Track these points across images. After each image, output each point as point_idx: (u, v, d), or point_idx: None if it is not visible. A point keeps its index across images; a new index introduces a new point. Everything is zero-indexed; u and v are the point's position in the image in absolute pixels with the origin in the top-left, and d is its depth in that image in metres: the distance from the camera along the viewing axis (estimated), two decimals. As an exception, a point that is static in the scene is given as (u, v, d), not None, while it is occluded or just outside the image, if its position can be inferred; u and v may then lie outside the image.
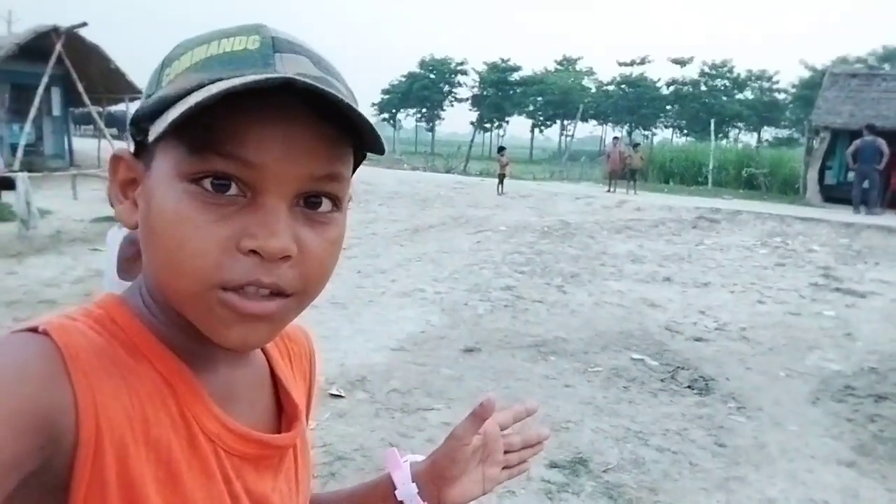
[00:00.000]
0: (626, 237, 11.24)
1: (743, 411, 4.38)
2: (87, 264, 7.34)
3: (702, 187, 22.88)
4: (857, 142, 15.27)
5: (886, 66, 39.93)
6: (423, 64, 67.28)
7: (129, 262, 2.51)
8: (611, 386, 4.70)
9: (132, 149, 0.59)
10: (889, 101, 17.14)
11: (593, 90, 63.61)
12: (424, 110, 70.04)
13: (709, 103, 56.63)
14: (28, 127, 15.20)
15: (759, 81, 58.98)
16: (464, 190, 18.02)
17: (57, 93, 17.57)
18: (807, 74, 51.31)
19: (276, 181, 0.52)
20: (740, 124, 59.60)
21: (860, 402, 4.59)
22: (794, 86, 55.03)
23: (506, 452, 0.80)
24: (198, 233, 0.51)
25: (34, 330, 0.51)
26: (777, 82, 58.36)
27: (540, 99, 62.63)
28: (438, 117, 71.48)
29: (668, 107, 61.28)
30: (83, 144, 21.36)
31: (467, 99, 67.41)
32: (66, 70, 15.58)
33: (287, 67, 0.53)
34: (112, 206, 0.60)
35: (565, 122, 63.63)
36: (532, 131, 67.38)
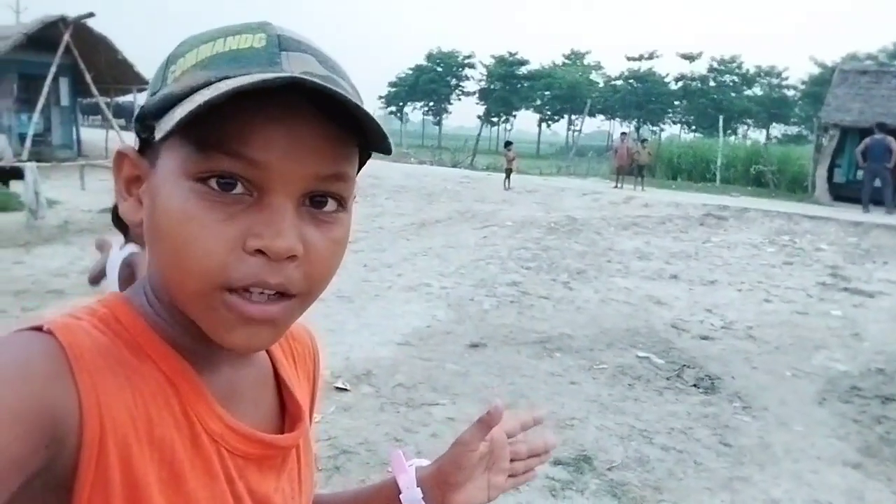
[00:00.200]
0: (632, 234, 11.21)
1: (748, 411, 4.36)
2: (95, 254, 7.36)
3: (710, 184, 22.79)
4: (866, 140, 15.16)
5: (897, 64, 39.62)
6: (430, 57, 67.14)
7: (124, 283, 2.58)
8: (616, 383, 4.69)
9: (137, 146, 0.58)
10: (899, 99, 17.02)
11: (601, 85, 63.38)
12: (431, 104, 69.91)
13: (717, 99, 56.38)
14: (36, 117, 15.27)
15: (768, 77, 58.65)
16: (470, 184, 18.00)
17: (65, 83, 17.62)
18: (816, 71, 51.01)
19: (282, 180, 0.52)
20: (749, 121, 59.27)
21: (867, 403, 4.57)
22: (803, 82, 54.71)
23: (512, 461, 0.79)
24: (204, 232, 0.51)
25: (38, 329, 0.51)
26: (786, 78, 58.03)
27: (547, 93, 62.43)
28: (445, 111, 71.37)
29: (677, 102, 61.01)
30: (91, 135, 21.41)
31: (474, 92, 67.28)
32: (74, 60, 15.62)
33: (293, 66, 0.53)
34: (118, 203, 0.60)
35: (573, 117, 63.36)
36: (539, 126, 67.19)
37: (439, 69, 66.83)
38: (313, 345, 0.77)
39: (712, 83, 59.46)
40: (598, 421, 4.05)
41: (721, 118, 27.38)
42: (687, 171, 25.87)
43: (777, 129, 60.56)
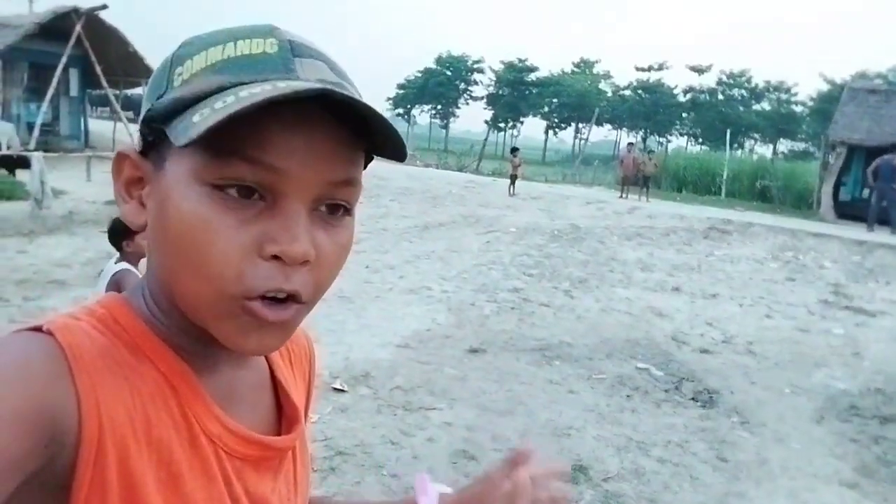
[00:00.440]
0: (636, 244, 11.20)
1: (746, 426, 4.35)
2: (98, 246, 7.37)
3: (715, 197, 22.78)
4: (878, 160, 15.15)
5: (907, 84, 39.56)
6: (439, 60, 67.20)
7: None
8: (614, 394, 4.68)
9: (139, 147, 0.58)
10: (908, 118, 17.01)
11: (609, 94, 63.34)
12: (439, 107, 69.96)
13: (725, 112, 56.28)
14: (45, 106, 15.31)
15: (776, 93, 58.56)
16: (475, 189, 18.01)
17: (75, 74, 17.67)
18: (825, 88, 50.91)
19: (297, 186, 0.52)
20: (756, 135, 59.20)
21: (865, 422, 4.55)
22: (812, 99, 54.61)
23: None
24: (220, 238, 0.51)
25: (38, 329, 0.51)
26: (795, 94, 57.93)
27: (555, 100, 62.44)
28: (453, 115, 71.40)
29: (684, 114, 60.94)
30: (99, 126, 21.47)
31: (483, 97, 67.28)
32: (85, 51, 15.67)
33: (308, 73, 0.53)
34: (118, 205, 0.59)
35: (580, 126, 63.39)
36: (546, 133, 67.19)
37: (448, 73, 66.88)
38: (309, 345, 0.77)
39: (721, 96, 59.40)
40: (595, 431, 4.04)
41: (728, 132, 27.35)
42: (692, 183, 25.85)
43: (784, 145, 60.46)
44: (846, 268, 10.35)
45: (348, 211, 0.57)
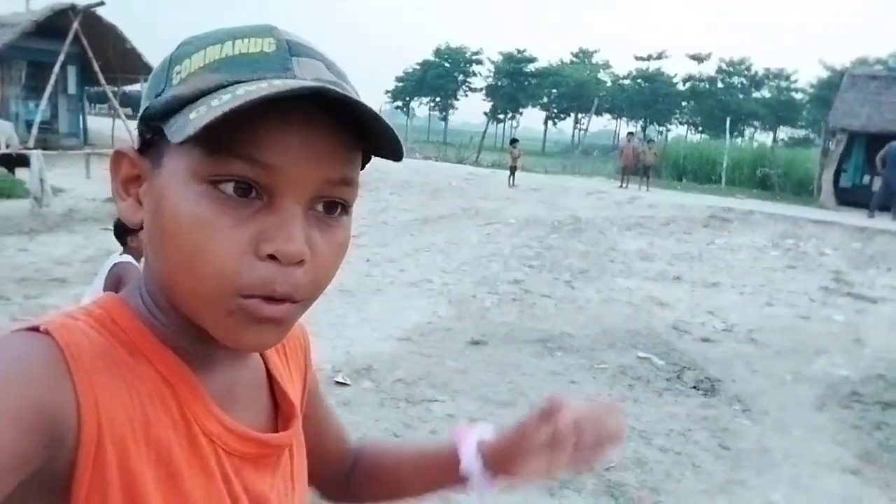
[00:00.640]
0: (636, 234, 11.20)
1: (748, 414, 4.36)
2: (98, 244, 7.38)
3: (715, 186, 22.75)
4: (886, 147, 15.08)
5: (907, 69, 39.37)
6: (438, 52, 67.00)
7: (108, 290, 2.66)
8: (616, 384, 4.69)
9: (137, 145, 0.58)
10: (909, 104, 16.95)
11: (609, 84, 63.16)
12: (438, 99, 69.81)
13: (725, 101, 56.14)
14: (43, 104, 15.26)
15: (776, 80, 58.39)
16: (475, 181, 17.99)
17: (73, 71, 17.62)
18: (825, 74, 50.73)
19: (294, 185, 0.53)
20: (756, 123, 59.07)
21: (867, 409, 4.56)
22: (812, 86, 54.43)
23: (577, 445, 0.74)
24: (217, 237, 0.51)
25: (36, 329, 0.51)
26: (795, 81, 57.76)
27: (554, 91, 62.28)
28: (452, 107, 71.23)
29: (684, 103, 60.80)
30: (98, 123, 21.43)
31: (482, 89, 67.12)
32: (83, 48, 15.62)
33: (305, 72, 0.53)
34: (115, 203, 0.60)
35: (579, 116, 63.24)
36: (545, 124, 67.07)
37: (447, 65, 66.70)
38: (304, 338, 0.78)
39: (720, 84, 59.24)
40: (597, 421, 4.05)
41: (728, 120, 27.26)
42: (693, 172, 25.81)
43: (784, 132, 60.35)
44: (847, 255, 10.34)
45: (345, 210, 0.57)
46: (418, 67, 68.18)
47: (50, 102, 16.13)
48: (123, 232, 2.94)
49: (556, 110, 65.64)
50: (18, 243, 7.38)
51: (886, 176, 14.90)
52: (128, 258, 2.87)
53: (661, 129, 61.02)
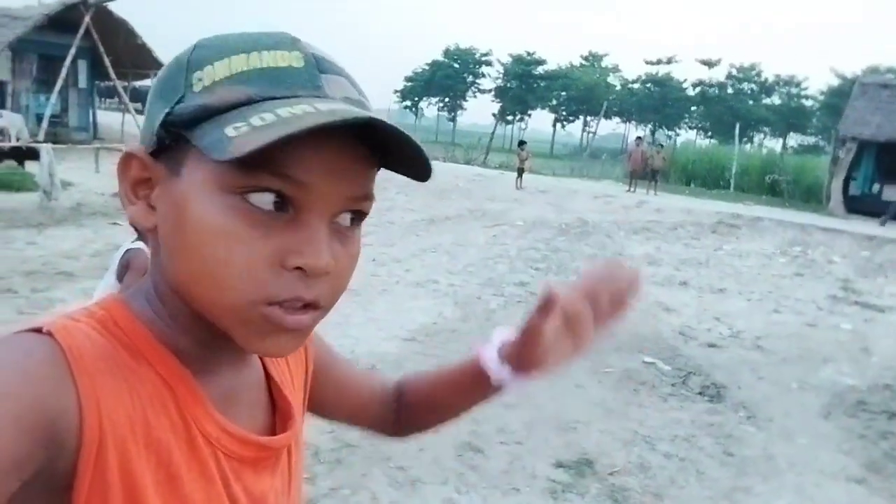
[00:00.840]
0: (644, 238, 11.17)
1: (753, 421, 4.34)
2: (107, 238, 7.40)
3: (723, 191, 22.69)
4: None
5: (919, 78, 39.16)
6: (447, 53, 67.12)
7: (119, 275, 2.69)
8: (621, 388, 4.67)
9: (149, 148, 0.56)
10: (920, 113, 16.87)
11: (618, 87, 63.16)
12: (447, 100, 69.92)
13: (735, 106, 56.02)
14: (54, 98, 15.36)
15: (787, 87, 58.27)
16: (482, 182, 18.00)
17: (83, 65, 17.73)
18: (836, 82, 50.60)
19: (321, 200, 0.53)
20: (766, 129, 58.99)
21: (873, 418, 4.53)
22: (822, 93, 54.33)
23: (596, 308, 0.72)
24: (245, 248, 0.52)
25: (38, 330, 0.51)
26: (805, 88, 57.66)
27: (564, 94, 62.30)
28: (460, 107, 71.37)
29: (694, 108, 60.75)
30: (107, 118, 21.55)
31: (490, 90, 67.23)
32: (94, 43, 15.71)
33: (334, 90, 0.54)
34: (123, 206, 0.59)
35: (588, 119, 63.25)
36: (554, 126, 67.05)
37: (456, 65, 66.81)
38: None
39: (730, 90, 59.16)
40: (602, 425, 4.04)
41: (738, 126, 27.18)
42: (701, 177, 25.77)
43: (794, 139, 60.19)
44: (855, 263, 10.29)
45: (360, 221, 0.58)
46: (427, 67, 68.30)
47: (60, 96, 16.23)
48: None
49: (564, 113, 65.64)
50: (27, 236, 7.42)
51: None
52: (140, 245, 2.85)
53: (670, 133, 60.94)
